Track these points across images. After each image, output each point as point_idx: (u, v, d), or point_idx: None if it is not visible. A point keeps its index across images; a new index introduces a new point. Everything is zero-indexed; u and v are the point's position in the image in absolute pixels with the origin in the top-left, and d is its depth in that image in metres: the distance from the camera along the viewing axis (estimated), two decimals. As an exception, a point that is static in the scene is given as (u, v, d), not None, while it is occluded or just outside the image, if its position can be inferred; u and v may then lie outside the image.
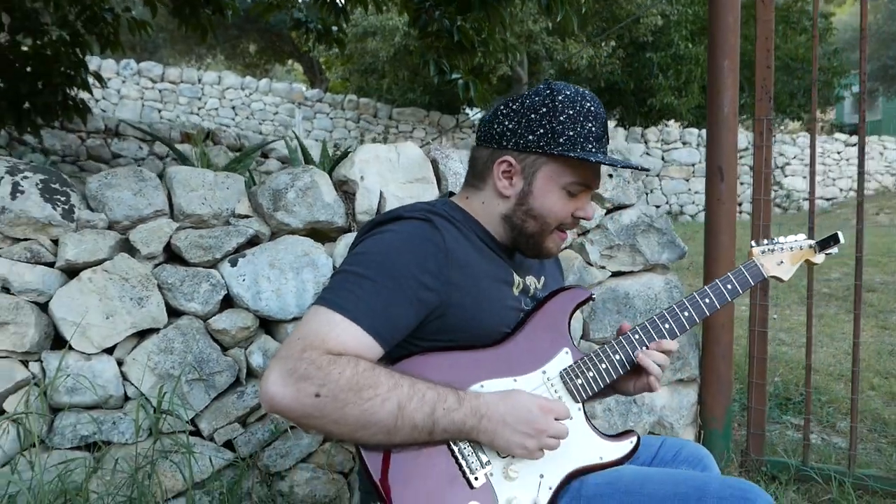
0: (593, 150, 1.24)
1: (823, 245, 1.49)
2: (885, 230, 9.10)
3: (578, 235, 2.39)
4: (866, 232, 2.53)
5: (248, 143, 7.38)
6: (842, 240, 1.48)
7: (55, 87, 4.97)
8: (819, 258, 1.50)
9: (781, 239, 1.51)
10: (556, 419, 1.14)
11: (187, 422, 1.76)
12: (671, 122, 16.27)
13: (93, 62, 10.69)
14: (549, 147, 1.22)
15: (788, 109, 14.32)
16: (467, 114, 13.56)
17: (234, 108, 13.25)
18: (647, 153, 13.35)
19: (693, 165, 12.89)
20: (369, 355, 1.09)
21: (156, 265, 1.83)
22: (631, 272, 2.46)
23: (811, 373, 2.58)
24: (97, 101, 11.47)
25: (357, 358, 1.06)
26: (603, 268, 2.40)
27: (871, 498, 2.33)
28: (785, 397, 3.33)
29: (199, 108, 13.01)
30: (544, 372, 1.25)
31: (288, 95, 13.50)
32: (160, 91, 12.86)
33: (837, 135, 13.47)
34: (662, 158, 13.32)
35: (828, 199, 12.73)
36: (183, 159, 2.46)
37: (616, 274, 2.44)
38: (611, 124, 16.82)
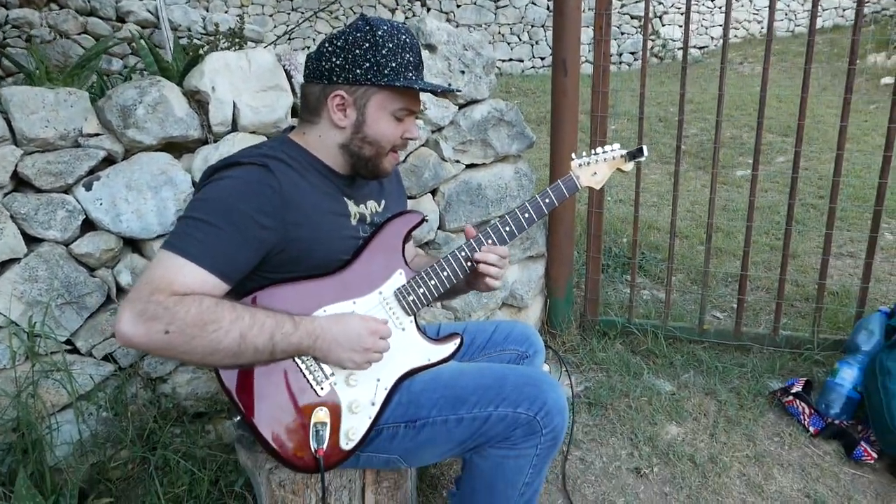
0: (413, 77, 1.40)
1: (633, 155, 1.73)
2: (744, 80, 9.72)
3: (433, 132, 2.53)
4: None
5: (98, 6, 6.66)
6: (645, 153, 1.73)
7: None
8: (629, 166, 1.75)
9: (599, 150, 1.73)
10: (381, 338, 1.37)
11: (64, 342, 1.87)
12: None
13: None
14: (377, 78, 1.35)
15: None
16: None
17: (79, -47, 11.65)
18: (533, 2, 13.19)
19: (576, 15, 12.86)
20: (214, 292, 1.25)
21: (5, 195, 1.83)
22: (483, 164, 2.66)
23: (641, 231, 2.94)
24: None
25: (202, 296, 1.21)
26: (457, 162, 2.58)
27: (679, 345, 2.83)
28: (629, 257, 3.79)
29: (36, -45, 11.34)
30: (380, 292, 1.46)
31: (142, -62, 11.96)
32: (-16, -67, 11.04)
33: (713, -19, 13.72)
34: (548, 8, 13.21)
35: (700, 48, 13.24)
36: (20, 67, 2.33)
37: (469, 166, 2.64)
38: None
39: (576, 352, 2.82)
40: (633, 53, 13.49)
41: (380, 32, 1.35)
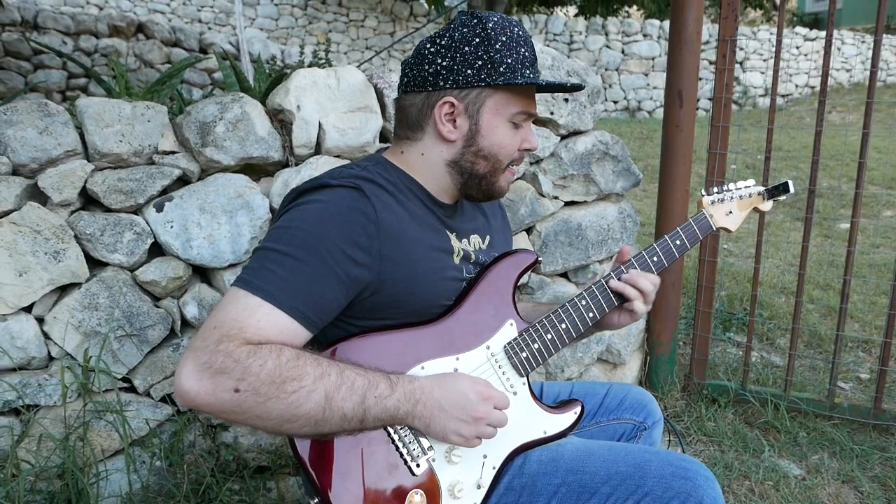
0: (531, 75, 1.17)
1: (772, 193, 1.46)
2: (835, 130, 9.16)
3: (531, 164, 2.28)
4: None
5: (183, 38, 6.83)
6: (791, 189, 1.45)
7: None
8: (767, 206, 1.49)
9: (731, 186, 1.47)
10: (495, 407, 1.10)
11: (120, 379, 1.68)
12: (632, 9, 15.75)
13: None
14: (492, 78, 1.13)
15: (751, -2, 14.05)
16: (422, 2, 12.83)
17: (169, -9, 12.21)
18: (608, 45, 12.98)
19: (653, 59, 12.61)
20: (295, 342, 1.01)
21: (71, 213, 1.67)
22: (584, 202, 2.39)
23: (741, 285, 2.60)
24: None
25: (281, 346, 0.98)
26: (556, 198, 2.33)
27: (803, 419, 2.44)
28: (729, 312, 3.42)
29: (130, -8, 11.94)
30: (488, 347, 1.20)
31: (228, -22, 12.46)
32: (85, -28, 11.69)
33: (798, 28, 13.25)
34: (622, 52, 12.98)
35: (783, 96, 12.70)
36: (99, 81, 2.22)
37: (569, 204, 2.37)
38: (571, 12, 16.19)
39: (680, 419, 2.47)
40: (710, 99, 13.05)
41: (490, 25, 1.14)
